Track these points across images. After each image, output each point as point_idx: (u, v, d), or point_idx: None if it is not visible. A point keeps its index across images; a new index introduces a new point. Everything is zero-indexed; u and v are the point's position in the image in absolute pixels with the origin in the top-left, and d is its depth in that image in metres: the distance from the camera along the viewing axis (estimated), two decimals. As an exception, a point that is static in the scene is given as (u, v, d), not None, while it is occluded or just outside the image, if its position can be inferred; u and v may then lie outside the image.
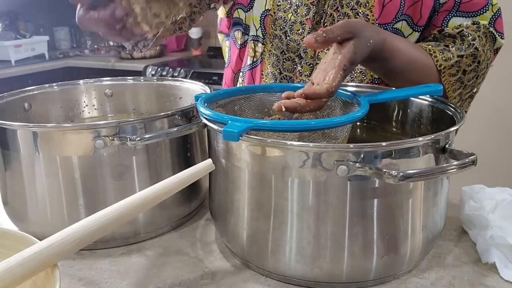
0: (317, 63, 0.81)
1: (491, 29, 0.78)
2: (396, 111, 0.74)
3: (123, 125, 0.61)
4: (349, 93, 0.65)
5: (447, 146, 0.55)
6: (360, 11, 0.77)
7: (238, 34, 0.90)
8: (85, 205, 0.63)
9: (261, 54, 0.85)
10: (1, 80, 2.62)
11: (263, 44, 0.84)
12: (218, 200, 0.62)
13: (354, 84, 0.77)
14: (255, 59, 0.86)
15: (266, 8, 0.82)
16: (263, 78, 0.86)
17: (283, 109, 0.58)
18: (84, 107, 0.86)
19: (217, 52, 2.89)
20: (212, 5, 0.88)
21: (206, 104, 0.61)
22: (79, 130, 0.61)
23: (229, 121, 0.52)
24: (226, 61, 0.97)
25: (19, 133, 0.62)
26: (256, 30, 0.85)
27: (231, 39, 0.92)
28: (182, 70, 2.53)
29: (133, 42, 0.78)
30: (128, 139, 0.60)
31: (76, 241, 0.45)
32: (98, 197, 0.63)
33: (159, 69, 2.57)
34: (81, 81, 0.86)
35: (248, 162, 0.55)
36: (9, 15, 3.05)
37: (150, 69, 2.60)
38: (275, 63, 0.83)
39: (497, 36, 0.79)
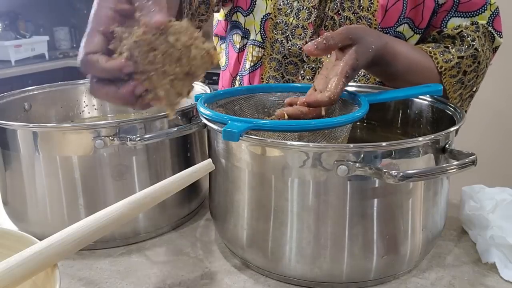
0: (319, 67, 0.81)
1: (490, 28, 0.78)
2: (396, 111, 0.74)
3: (123, 125, 0.61)
4: (349, 93, 0.65)
5: (447, 146, 0.55)
6: (362, 15, 0.77)
7: (236, 38, 0.89)
8: (85, 205, 0.63)
9: (260, 58, 0.84)
10: (1, 80, 2.62)
11: (262, 48, 0.84)
12: (218, 200, 0.62)
13: (354, 84, 0.77)
14: (252, 64, 0.86)
15: (267, 12, 0.82)
16: (263, 82, 0.86)
17: (286, 116, 0.58)
18: (84, 107, 0.86)
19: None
20: (216, 9, 0.88)
21: (206, 104, 0.61)
22: (79, 130, 0.61)
23: (229, 121, 0.52)
24: (222, 64, 0.97)
25: (19, 133, 0.62)
26: (256, 35, 0.84)
27: (229, 43, 0.92)
28: (182, 70, 2.53)
29: None
30: (128, 139, 0.60)
31: (76, 241, 0.45)
32: (98, 197, 0.63)
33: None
34: (81, 81, 0.86)
35: (248, 162, 0.55)
36: (9, 15, 3.05)
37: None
38: (276, 67, 0.83)
39: (495, 35, 0.79)
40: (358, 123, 0.75)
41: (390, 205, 0.53)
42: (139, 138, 0.60)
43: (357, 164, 0.49)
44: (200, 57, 0.46)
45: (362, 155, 0.49)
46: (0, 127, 0.63)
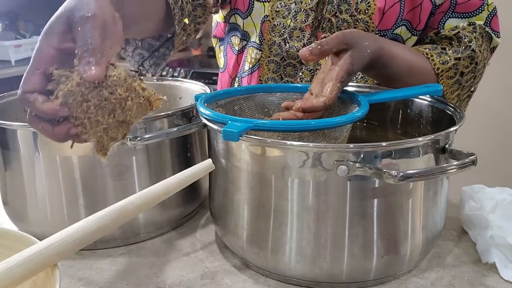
0: (317, 69, 0.81)
1: (487, 28, 0.78)
2: (396, 111, 0.74)
3: (123, 125, 0.61)
4: (349, 93, 0.65)
5: (447, 146, 0.55)
6: (359, 17, 0.77)
7: (235, 40, 0.89)
8: (85, 205, 0.63)
9: (258, 60, 0.84)
10: (1, 80, 2.62)
11: (260, 50, 0.84)
12: (218, 200, 0.62)
13: (354, 84, 0.77)
14: (251, 65, 0.85)
15: (265, 14, 0.82)
16: (262, 83, 0.86)
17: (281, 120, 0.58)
18: (84, 107, 0.86)
19: (217, 52, 2.88)
20: (213, 10, 0.88)
21: (206, 104, 0.61)
22: (79, 130, 0.61)
23: (229, 121, 0.52)
24: (220, 65, 0.96)
25: (19, 133, 0.62)
26: (256, 37, 0.84)
27: (228, 45, 0.92)
28: (182, 70, 2.53)
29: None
30: (128, 139, 0.60)
31: (76, 241, 0.45)
32: (98, 197, 0.63)
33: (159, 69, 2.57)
34: (81, 81, 0.86)
35: (248, 162, 0.55)
36: (9, 15, 3.05)
37: (150, 69, 2.59)
38: (275, 69, 0.83)
39: (493, 35, 0.79)
40: (358, 123, 0.75)
41: (390, 205, 0.53)
42: (139, 138, 0.60)
43: (357, 164, 0.49)
44: (136, 107, 0.46)
45: (362, 155, 0.49)
46: (0, 127, 0.63)
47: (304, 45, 0.80)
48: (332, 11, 0.78)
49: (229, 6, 0.88)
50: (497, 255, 0.59)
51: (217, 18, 0.94)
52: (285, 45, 0.81)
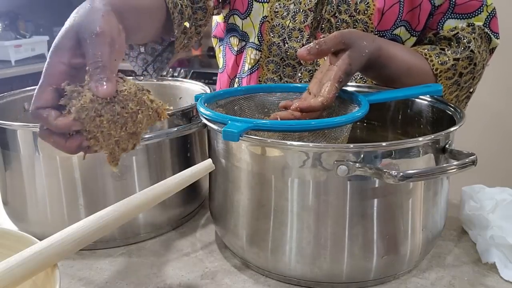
0: (316, 70, 0.81)
1: (486, 29, 0.78)
2: (396, 111, 0.74)
3: (123, 125, 0.61)
4: (349, 93, 0.65)
5: (447, 146, 0.55)
6: (358, 18, 0.77)
7: (234, 40, 0.89)
8: (85, 205, 0.63)
9: (258, 61, 0.84)
10: (1, 80, 2.62)
11: (259, 51, 0.84)
12: (218, 200, 0.62)
13: (354, 84, 0.77)
14: (250, 66, 0.85)
15: (264, 15, 0.82)
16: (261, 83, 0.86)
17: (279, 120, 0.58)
18: (84, 107, 0.86)
19: (217, 52, 2.88)
20: (215, 12, 0.88)
21: (206, 104, 0.61)
22: (79, 130, 0.61)
23: (229, 121, 0.52)
24: (220, 66, 0.96)
25: (19, 133, 0.62)
26: (254, 38, 0.84)
27: (227, 45, 0.92)
28: (182, 70, 2.53)
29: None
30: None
31: (76, 241, 0.45)
32: (98, 197, 0.63)
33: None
34: (81, 81, 0.86)
35: (248, 162, 0.55)
36: (9, 15, 3.04)
37: (150, 69, 2.59)
38: (274, 69, 0.83)
39: (492, 36, 0.79)
40: (358, 123, 0.75)
41: (390, 205, 0.53)
42: (139, 138, 0.60)
43: (357, 164, 0.49)
44: (146, 119, 0.48)
45: (362, 155, 0.49)
46: (0, 127, 0.63)
47: (303, 46, 0.80)
48: (331, 11, 0.78)
49: (228, 6, 0.88)
50: (497, 255, 0.59)
51: (217, 18, 0.94)
52: (284, 45, 0.81)
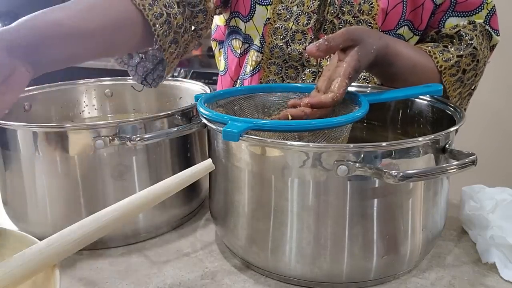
0: (319, 71, 0.81)
1: (487, 27, 0.79)
2: (396, 111, 0.74)
3: (123, 125, 0.61)
4: (349, 93, 0.65)
5: (447, 146, 0.55)
6: (362, 18, 0.77)
7: (236, 43, 0.89)
8: (85, 205, 0.63)
9: (259, 63, 0.84)
10: (1, 80, 2.62)
11: (261, 53, 0.83)
12: (218, 200, 0.62)
13: (354, 84, 0.77)
14: (252, 68, 0.85)
15: (267, 17, 0.81)
16: None
17: (289, 117, 0.58)
18: (84, 107, 0.86)
19: (217, 52, 2.88)
20: (218, 11, 0.87)
21: (206, 104, 0.61)
22: (79, 130, 0.61)
23: (229, 121, 0.52)
24: (220, 68, 0.96)
25: (19, 133, 0.62)
26: (257, 40, 0.84)
27: (228, 47, 0.91)
28: (182, 70, 2.53)
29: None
30: (128, 139, 0.60)
31: (76, 241, 0.45)
32: (98, 197, 0.63)
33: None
34: (81, 81, 0.86)
35: (248, 162, 0.55)
36: (9, 15, 3.04)
37: (150, 69, 2.59)
38: (276, 71, 0.83)
39: (493, 33, 0.79)
40: (358, 123, 0.75)
41: (390, 205, 0.53)
42: (139, 138, 0.60)
43: (357, 164, 0.49)
44: None
45: (362, 155, 0.49)
46: (0, 127, 0.63)
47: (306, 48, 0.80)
48: (334, 12, 0.78)
49: (229, 9, 0.87)
50: (497, 255, 0.59)
51: (217, 21, 0.94)
52: (287, 48, 0.81)
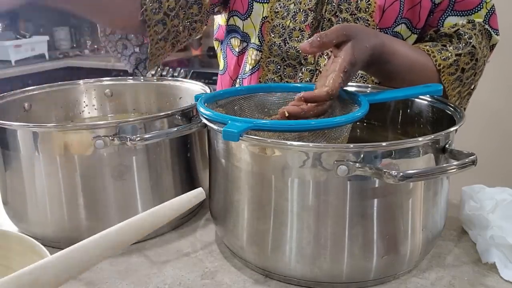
0: (317, 69, 0.81)
1: (486, 26, 0.79)
2: (396, 111, 0.74)
3: (123, 125, 0.61)
4: (349, 93, 0.65)
5: (447, 146, 0.55)
6: (360, 16, 0.77)
7: (235, 42, 0.89)
8: (85, 205, 0.63)
9: (258, 61, 0.84)
10: (1, 80, 2.62)
11: (260, 51, 0.84)
12: (218, 200, 0.62)
13: (354, 84, 0.77)
14: (251, 67, 0.85)
15: (264, 15, 0.82)
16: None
17: (286, 114, 0.58)
18: (84, 107, 0.86)
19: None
20: (216, 9, 0.87)
21: (206, 104, 0.61)
22: (79, 130, 0.61)
23: (229, 121, 0.52)
24: (221, 67, 0.96)
25: (19, 133, 0.62)
26: (255, 38, 0.84)
27: (227, 46, 0.92)
28: (182, 70, 2.53)
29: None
30: (128, 139, 0.60)
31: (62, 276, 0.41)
32: (98, 197, 0.63)
33: (159, 69, 2.57)
34: (81, 81, 0.86)
35: (248, 162, 0.55)
36: (9, 15, 3.05)
37: (150, 69, 2.60)
38: (275, 69, 0.83)
39: (492, 33, 0.79)
40: (358, 123, 0.75)
41: (390, 205, 0.53)
42: (139, 138, 0.60)
43: (357, 164, 0.49)
44: None
45: (362, 155, 0.49)
46: (0, 127, 0.63)
47: None
48: (332, 10, 0.78)
49: (228, 9, 0.88)
50: (497, 255, 0.59)
51: (219, 21, 0.94)
52: (285, 45, 0.81)
